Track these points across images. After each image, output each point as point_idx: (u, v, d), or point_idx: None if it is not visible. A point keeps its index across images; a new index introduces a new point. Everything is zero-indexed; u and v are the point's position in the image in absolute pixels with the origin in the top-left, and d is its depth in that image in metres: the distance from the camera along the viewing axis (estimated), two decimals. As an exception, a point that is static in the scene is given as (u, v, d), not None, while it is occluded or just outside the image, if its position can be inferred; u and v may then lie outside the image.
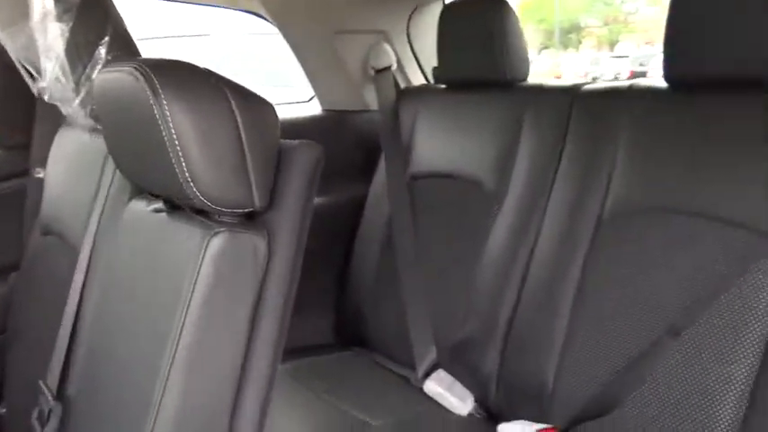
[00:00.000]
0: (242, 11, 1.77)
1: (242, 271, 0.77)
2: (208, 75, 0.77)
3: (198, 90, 0.74)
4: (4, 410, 1.27)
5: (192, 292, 0.74)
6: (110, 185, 1.00)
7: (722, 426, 0.94)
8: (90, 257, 0.98)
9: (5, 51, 1.39)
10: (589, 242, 1.15)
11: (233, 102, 0.75)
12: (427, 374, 1.34)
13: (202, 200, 0.74)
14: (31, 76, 1.40)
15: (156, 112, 0.71)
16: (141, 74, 0.72)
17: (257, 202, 0.77)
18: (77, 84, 1.08)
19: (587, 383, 1.08)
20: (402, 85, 1.77)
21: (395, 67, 1.75)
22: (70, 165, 1.17)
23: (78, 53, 1.06)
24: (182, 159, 0.72)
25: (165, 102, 0.71)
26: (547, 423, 1.12)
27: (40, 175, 1.31)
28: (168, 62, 0.77)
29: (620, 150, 1.16)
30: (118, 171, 0.99)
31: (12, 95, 1.43)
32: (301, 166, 0.82)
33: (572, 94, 1.30)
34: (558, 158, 1.27)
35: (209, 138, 0.73)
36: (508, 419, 1.18)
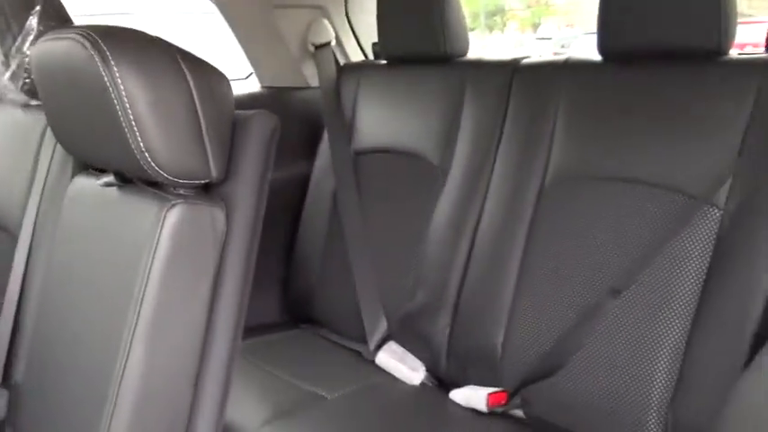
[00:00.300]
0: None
1: (201, 243, 0.76)
2: (158, 41, 0.75)
3: (150, 57, 0.72)
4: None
5: (151, 266, 0.72)
6: (49, 163, 0.96)
7: (659, 383, 1.00)
8: (32, 239, 0.94)
9: None
10: (532, 211, 1.20)
11: (186, 69, 0.73)
12: (378, 347, 1.36)
13: (158, 171, 0.72)
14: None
15: (106, 80, 0.69)
16: (89, 41, 0.70)
17: (214, 172, 0.76)
18: (7, 56, 1.02)
19: (533, 347, 1.13)
20: (341, 61, 1.76)
21: (334, 43, 1.74)
22: (1, 144, 1.11)
23: (7, 24, 1.00)
24: (135, 130, 0.70)
25: (116, 69, 0.69)
26: (497, 387, 1.17)
27: (-34, 156, 1.23)
28: (116, 29, 0.74)
29: (558, 121, 1.21)
30: (58, 147, 0.95)
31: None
32: (257, 136, 0.81)
33: (511, 69, 1.33)
34: (499, 131, 1.31)
35: (164, 106, 0.71)
36: (460, 386, 1.23)
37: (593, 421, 1.06)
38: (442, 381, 1.30)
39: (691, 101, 1.07)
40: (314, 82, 1.75)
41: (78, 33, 0.71)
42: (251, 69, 1.83)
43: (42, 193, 0.95)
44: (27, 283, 0.93)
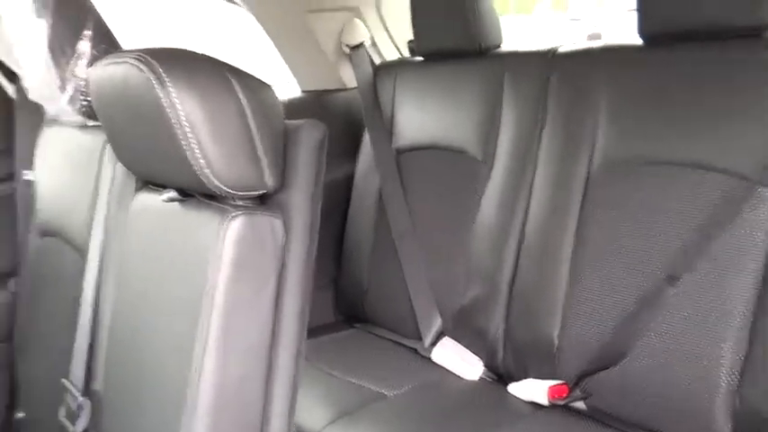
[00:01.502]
0: (212, -3, 1.75)
1: (262, 251, 0.78)
2: (209, 60, 0.78)
3: (202, 76, 0.74)
4: (22, 414, 1.27)
5: (216, 276, 0.75)
6: (111, 181, 1.00)
7: (725, 369, 0.99)
8: (100, 255, 0.98)
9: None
10: (581, 199, 1.19)
11: (236, 85, 0.75)
12: (434, 343, 1.37)
13: (218, 185, 0.75)
14: (8, 78, 1.37)
15: (163, 101, 0.71)
16: (145, 64, 0.72)
17: (270, 183, 0.78)
18: (63, 80, 1.06)
19: (592, 337, 1.12)
20: (376, 60, 1.78)
21: (368, 43, 1.75)
22: (62, 163, 1.16)
23: (61, 49, 1.04)
24: (194, 147, 0.73)
25: (172, 90, 0.71)
26: (556, 379, 1.17)
27: (29, 177, 1.29)
28: (169, 50, 0.77)
29: (601, 108, 1.19)
30: (119, 165, 0.99)
31: (-13, 100, 1.40)
32: (308, 145, 0.83)
33: (549, 58, 1.33)
34: (541, 121, 1.30)
35: (218, 123, 0.74)
36: (518, 380, 1.23)
37: (657, 410, 1.05)
38: (500, 375, 1.30)
39: (736, 81, 1.05)
40: (351, 83, 1.77)
41: (134, 57, 0.74)
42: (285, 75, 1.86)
43: (107, 211, 0.99)
44: (99, 297, 0.97)
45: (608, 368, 1.09)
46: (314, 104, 1.78)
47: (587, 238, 1.16)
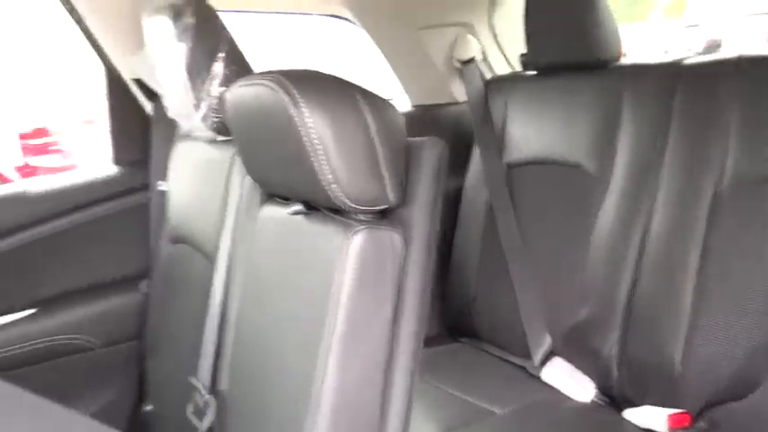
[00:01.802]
0: (327, 15, 1.82)
1: (383, 265, 0.81)
2: (338, 81, 0.81)
3: (332, 96, 0.78)
4: (150, 407, 1.37)
5: (340, 287, 0.78)
6: (239, 193, 1.06)
7: None
8: (228, 262, 1.04)
9: (120, 76, 1.49)
10: (706, 218, 1.13)
11: (363, 104, 0.78)
12: (543, 362, 1.34)
13: (343, 199, 0.78)
14: (147, 96, 1.50)
15: (296, 120, 0.75)
16: (279, 85, 0.77)
17: (392, 198, 0.81)
18: (198, 99, 1.14)
19: (722, 362, 1.06)
20: (487, 75, 1.77)
21: (479, 57, 1.75)
22: (193, 176, 1.25)
23: (198, 70, 1.12)
24: (323, 162, 0.76)
25: (304, 110, 0.75)
26: (676, 407, 1.11)
27: (163, 188, 1.40)
28: (300, 72, 0.81)
29: (732, 124, 1.13)
30: (246, 179, 1.05)
31: (128, 117, 1.53)
32: (429, 162, 0.85)
33: (675, 71, 1.27)
34: (664, 137, 1.24)
35: (346, 140, 0.77)
36: (634, 405, 1.17)
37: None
38: (613, 398, 1.25)
39: None
40: (461, 97, 1.78)
41: (269, 79, 0.79)
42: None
43: (235, 221, 1.06)
44: (226, 302, 1.04)
45: (739, 398, 1.02)
46: (424, 119, 1.81)
47: (714, 259, 1.10)
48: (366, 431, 0.80)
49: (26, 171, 4.45)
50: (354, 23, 1.76)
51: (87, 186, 1.49)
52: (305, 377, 0.79)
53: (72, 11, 1.38)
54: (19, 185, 1.50)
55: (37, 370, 1.37)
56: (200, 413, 1.01)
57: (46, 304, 1.43)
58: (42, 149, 4.67)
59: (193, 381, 1.04)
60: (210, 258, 1.10)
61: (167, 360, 1.28)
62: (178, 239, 1.28)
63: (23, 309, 1.42)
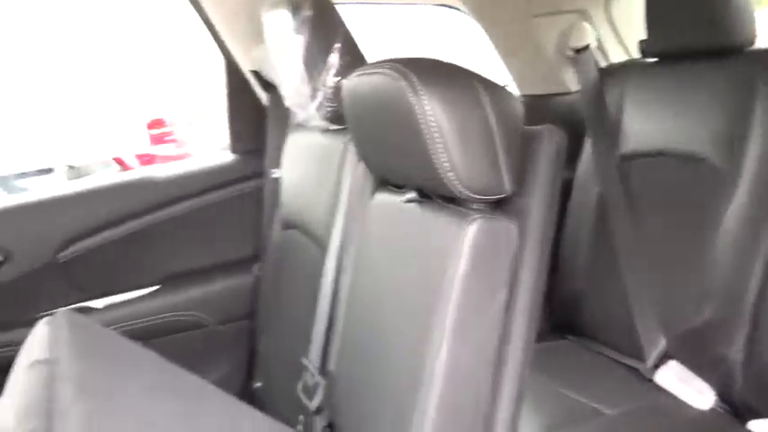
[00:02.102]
0: (436, 5, 1.81)
1: (497, 256, 0.80)
2: (457, 69, 0.81)
3: (451, 85, 0.78)
4: (260, 384, 1.44)
5: (453, 277, 0.78)
6: (351, 180, 1.08)
7: None
8: (340, 248, 1.07)
9: (239, 68, 1.57)
10: None
11: (482, 93, 0.78)
12: (657, 365, 1.28)
13: (460, 188, 0.77)
14: (263, 87, 1.56)
15: (415, 108, 0.76)
16: (400, 74, 0.77)
17: (508, 188, 0.79)
18: (314, 90, 1.17)
19: None
20: (602, 63, 1.70)
21: (594, 45, 1.68)
22: (306, 164, 1.29)
23: (314, 62, 1.16)
24: (440, 151, 0.76)
25: (424, 98, 0.75)
26: (811, 419, 1.02)
27: (276, 175, 1.45)
28: (420, 61, 0.82)
29: None
30: (358, 166, 1.07)
31: (245, 107, 1.60)
32: (546, 152, 0.83)
33: None
34: None
35: (465, 129, 0.76)
36: (759, 416, 1.09)
37: None
38: (735, 407, 1.17)
39: None
40: (573, 87, 1.72)
41: (389, 67, 0.80)
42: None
43: (347, 208, 1.08)
44: (337, 286, 1.06)
45: None
46: (533, 108, 1.76)
47: None
48: (476, 418, 0.80)
49: (145, 159, 4.79)
50: (464, 12, 1.74)
51: (207, 173, 1.57)
52: (415, 363, 0.80)
53: (197, 6, 1.46)
54: (146, 171, 1.61)
55: (156, 343, 1.47)
56: (309, 392, 1.05)
57: (167, 282, 1.53)
58: (159, 139, 5.00)
59: (304, 361, 1.08)
60: (321, 244, 1.13)
61: (278, 339, 1.34)
62: (290, 225, 1.33)
63: (149, 285, 1.53)
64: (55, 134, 4.58)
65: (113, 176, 1.60)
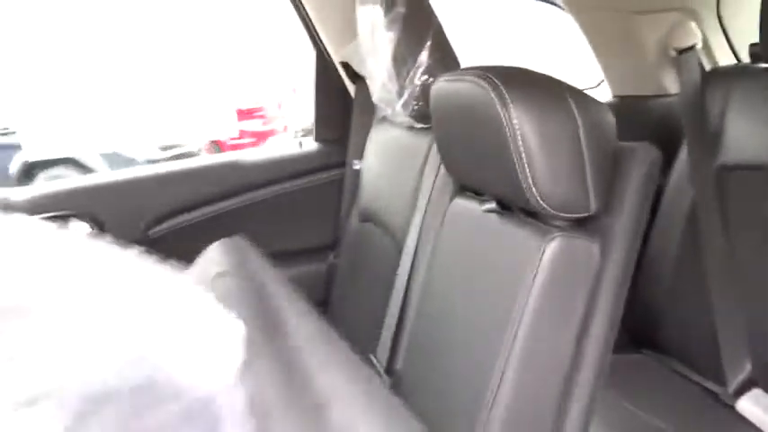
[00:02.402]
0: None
1: (575, 276, 0.78)
2: (549, 80, 0.78)
3: (542, 98, 0.76)
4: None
5: (528, 293, 0.77)
6: (433, 181, 1.08)
7: None
8: (416, 247, 1.07)
9: (329, 60, 1.58)
10: None
11: (574, 106, 0.75)
12: (740, 392, 1.21)
13: (542, 204, 0.76)
14: (351, 78, 1.57)
15: (503, 119, 0.74)
16: (489, 84, 0.76)
17: (593, 206, 0.77)
18: (401, 87, 1.17)
19: None
20: (707, 66, 1.60)
21: (699, 45, 1.58)
22: (388, 159, 1.29)
23: (403, 59, 1.15)
24: (524, 163, 0.74)
25: (513, 109, 0.74)
26: None
27: (357, 167, 1.47)
28: (510, 70, 0.80)
29: None
30: (441, 168, 1.06)
31: (332, 96, 1.62)
32: (639, 170, 0.79)
33: None
34: None
35: (552, 142, 0.74)
36: None
37: None
38: (828, 447, 1.10)
39: None
40: (671, 89, 1.63)
41: (478, 75, 0.78)
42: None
43: (426, 208, 1.08)
44: (410, 285, 1.07)
45: None
46: (626, 111, 1.69)
47: None
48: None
49: (233, 138, 4.96)
50: (560, 8, 1.68)
51: (291, 160, 1.61)
52: (484, 370, 0.79)
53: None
54: (233, 156, 1.67)
55: None
56: (375, 389, 1.06)
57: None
58: (248, 114, 5.16)
59: (372, 358, 1.09)
60: (397, 241, 1.13)
61: (348, 332, 1.36)
62: (367, 218, 1.34)
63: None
64: (155, 119, 4.74)
65: (203, 159, 1.67)
